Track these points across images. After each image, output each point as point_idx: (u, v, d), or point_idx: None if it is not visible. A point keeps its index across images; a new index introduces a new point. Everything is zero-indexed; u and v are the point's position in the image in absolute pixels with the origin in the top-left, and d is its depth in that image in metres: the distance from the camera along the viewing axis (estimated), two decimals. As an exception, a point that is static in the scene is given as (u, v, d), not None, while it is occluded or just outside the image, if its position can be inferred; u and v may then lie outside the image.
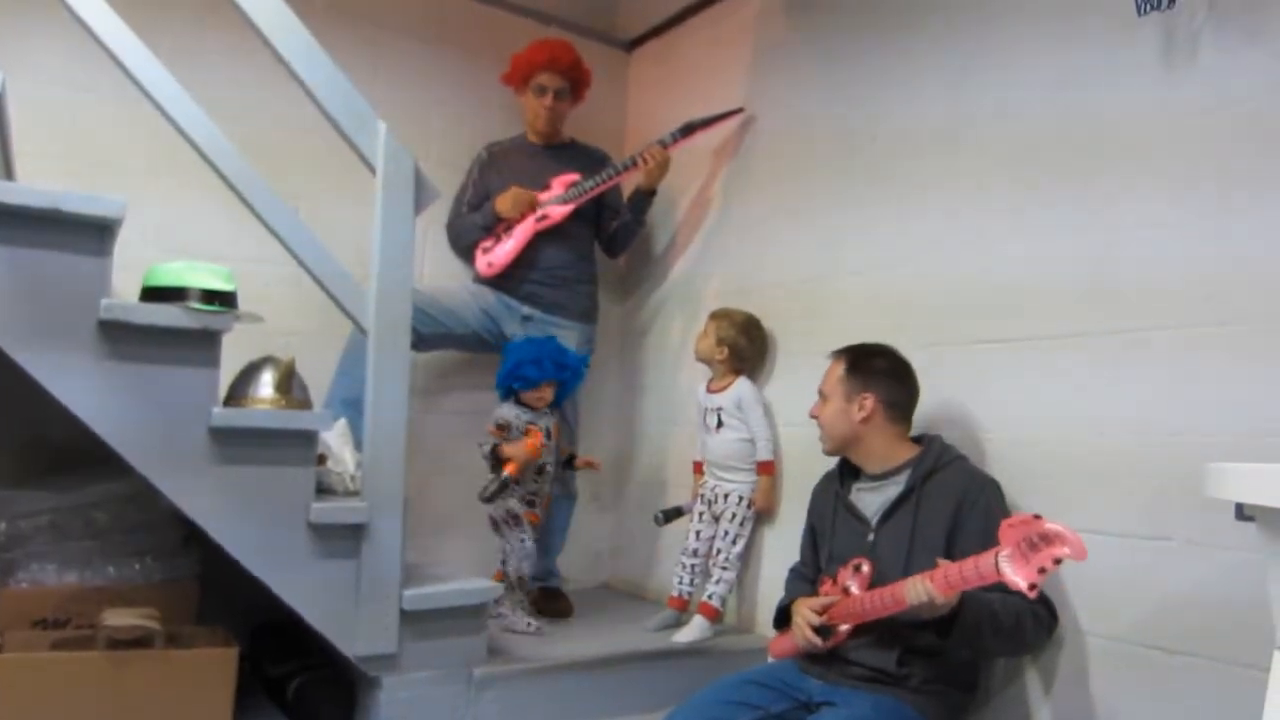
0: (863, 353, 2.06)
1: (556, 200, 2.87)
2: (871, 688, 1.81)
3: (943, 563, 1.65)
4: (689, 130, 2.88)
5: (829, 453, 2.09)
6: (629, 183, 3.00)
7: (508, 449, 2.43)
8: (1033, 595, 1.50)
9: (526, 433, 2.48)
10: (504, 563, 2.48)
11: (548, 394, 2.54)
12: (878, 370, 2.02)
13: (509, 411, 2.52)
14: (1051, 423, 1.97)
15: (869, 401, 1.98)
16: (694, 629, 2.47)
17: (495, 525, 2.49)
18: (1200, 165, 1.76)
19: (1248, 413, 1.65)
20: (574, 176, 2.91)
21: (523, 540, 2.46)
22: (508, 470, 2.38)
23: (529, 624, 2.42)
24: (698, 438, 2.73)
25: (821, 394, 2.08)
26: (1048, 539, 1.49)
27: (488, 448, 2.47)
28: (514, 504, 2.47)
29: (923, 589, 1.63)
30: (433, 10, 3.13)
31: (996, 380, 2.08)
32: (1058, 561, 1.48)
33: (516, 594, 2.46)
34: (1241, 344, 1.68)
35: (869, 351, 2.06)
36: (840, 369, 2.05)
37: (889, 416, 2.00)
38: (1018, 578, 1.50)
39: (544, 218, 2.86)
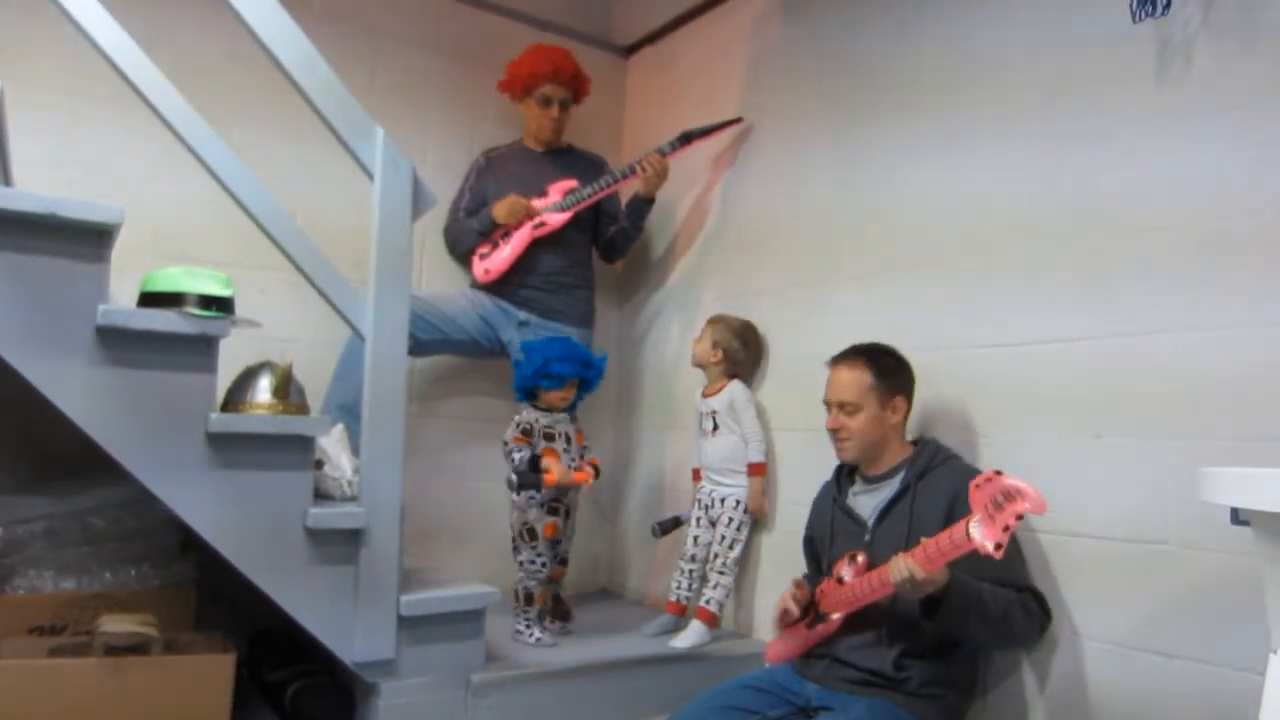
0: (880, 354, 2.06)
1: (554, 208, 2.88)
2: (868, 691, 1.81)
3: (924, 540, 1.65)
4: (687, 139, 2.88)
5: (853, 461, 2.06)
6: (627, 190, 3.01)
7: (552, 465, 2.38)
8: (998, 555, 1.50)
9: (579, 467, 2.46)
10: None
11: (571, 393, 2.52)
12: (897, 369, 2.04)
13: (530, 415, 2.49)
14: (1048, 427, 1.97)
15: (901, 403, 2.01)
16: (692, 634, 2.48)
17: (512, 539, 2.46)
18: (1197, 171, 1.77)
19: (1243, 417, 1.66)
20: (571, 183, 2.92)
21: (533, 561, 2.42)
22: (547, 481, 2.36)
23: (536, 638, 2.39)
24: (695, 444, 2.74)
25: (845, 405, 2.01)
26: (1010, 496, 1.50)
27: (525, 456, 2.39)
28: (533, 516, 2.43)
29: (904, 565, 1.64)
30: (429, 16, 3.14)
31: (992, 383, 2.09)
32: (1019, 517, 1.49)
33: (526, 609, 2.43)
34: (1236, 350, 1.68)
35: (882, 352, 2.07)
36: (867, 377, 2.00)
37: (907, 415, 2.03)
38: (986, 540, 1.51)
39: (541, 225, 2.86)
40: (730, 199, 2.97)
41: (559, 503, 2.47)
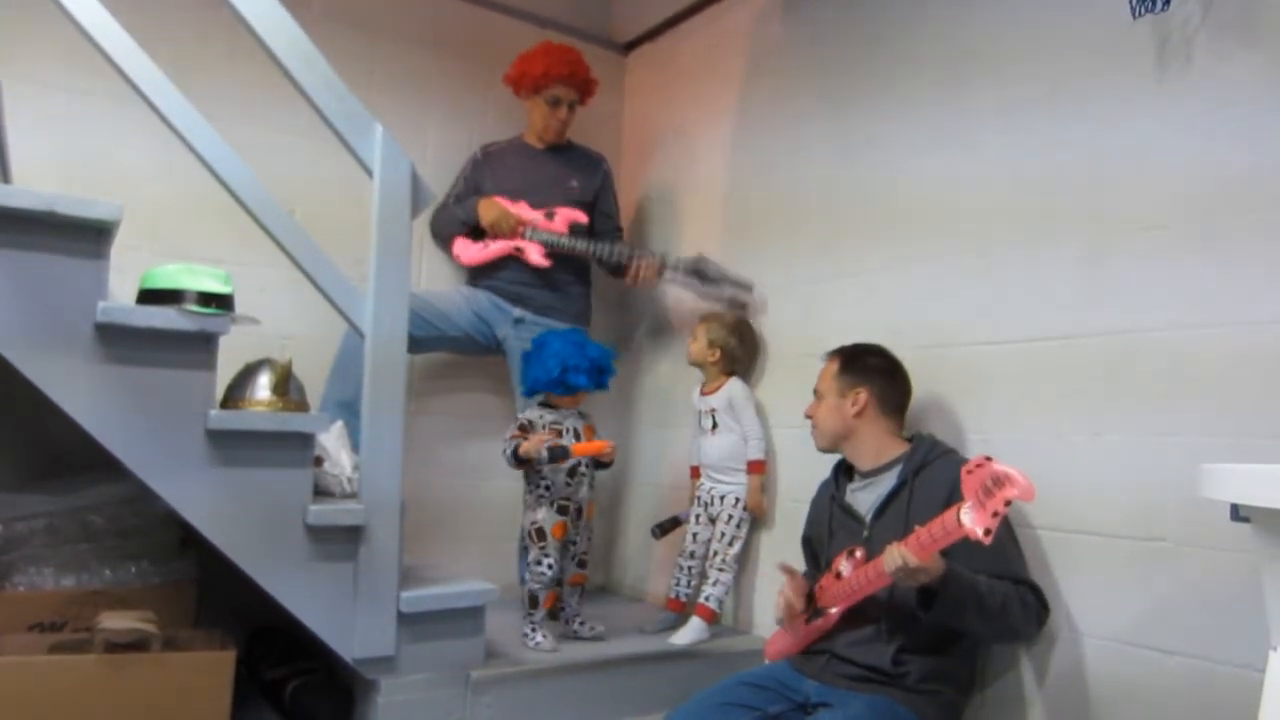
0: (856, 351, 2.11)
1: (545, 238, 2.85)
2: (867, 687, 1.81)
3: (918, 528, 1.66)
4: (693, 273, 2.76)
5: (822, 449, 2.13)
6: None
7: (529, 443, 2.32)
8: (988, 540, 1.51)
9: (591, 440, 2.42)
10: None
11: (583, 396, 2.49)
12: (870, 367, 2.07)
13: (533, 414, 2.45)
14: (1046, 424, 1.97)
15: (862, 395, 2.03)
16: (691, 631, 2.48)
17: (521, 541, 2.42)
18: (1196, 168, 1.77)
19: (1243, 414, 1.66)
20: (580, 219, 2.90)
21: (540, 561, 2.35)
22: (574, 451, 2.31)
23: (535, 642, 2.31)
24: (693, 442, 2.74)
25: (817, 392, 2.12)
26: (999, 482, 1.51)
27: (509, 449, 2.36)
28: (542, 516, 2.36)
29: (898, 554, 1.65)
30: (428, 14, 3.13)
31: (990, 382, 2.09)
32: (1007, 503, 1.50)
33: (531, 611, 2.36)
34: (1236, 346, 1.68)
35: (862, 350, 2.11)
36: (834, 367, 2.10)
37: (881, 411, 2.04)
38: (976, 527, 1.52)
39: (520, 250, 2.86)
40: (729, 196, 2.97)
41: (568, 501, 2.39)
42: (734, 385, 2.62)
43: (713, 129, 3.06)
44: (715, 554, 2.57)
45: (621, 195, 3.18)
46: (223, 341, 1.83)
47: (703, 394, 2.68)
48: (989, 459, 1.55)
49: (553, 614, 2.51)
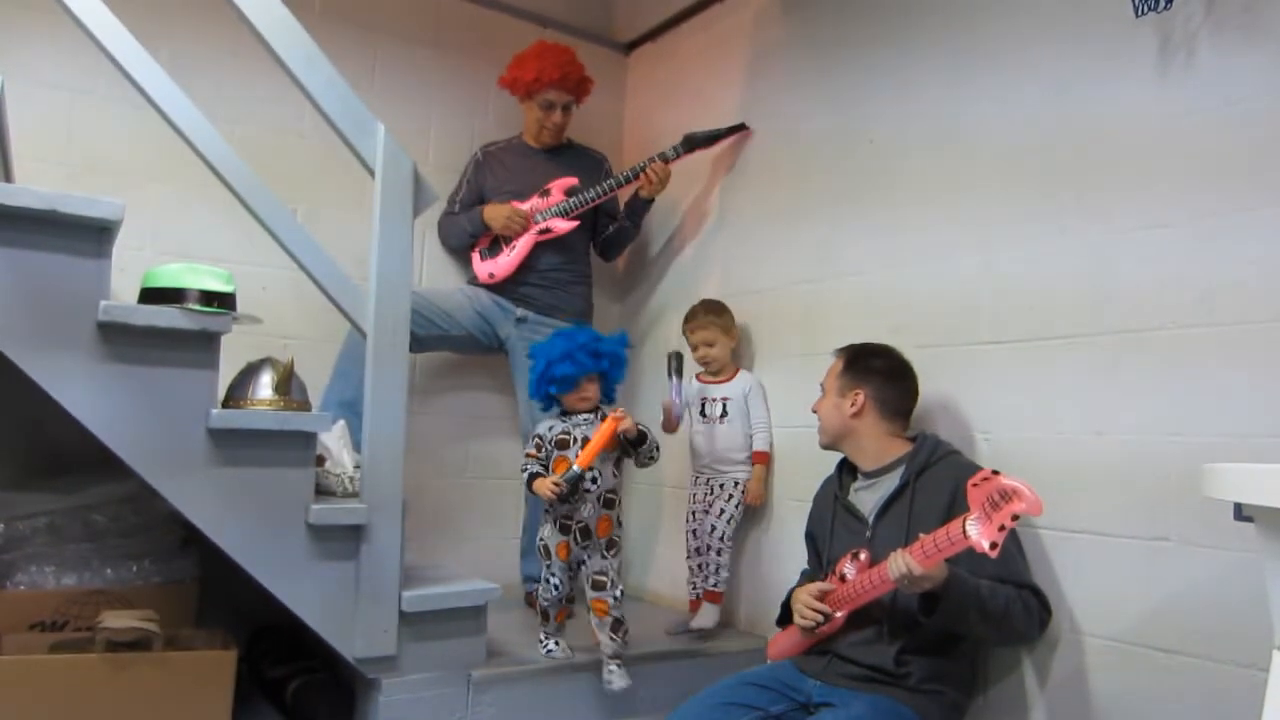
0: (862, 352, 2.10)
1: (556, 210, 2.86)
2: (869, 687, 1.81)
3: (922, 536, 1.66)
4: (691, 146, 2.87)
5: (823, 445, 2.12)
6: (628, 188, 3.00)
7: (542, 486, 2.16)
8: (994, 555, 1.51)
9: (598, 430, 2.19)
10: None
11: (592, 391, 2.26)
12: (873, 368, 2.06)
13: (543, 427, 2.29)
14: (1049, 423, 1.97)
15: (860, 397, 2.03)
16: (707, 615, 2.50)
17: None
18: (1197, 167, 1.77)
19: (1245, 413, 1.66)
20: (572, 181, 2.91)
21: (548, 580, 2.23)
22: (579, 464, 2.13)
23: (548, 650, 2.25)
24: (692, 431, 2.71)
25: (822, 387, 2.12)
26: (1006, 495, 1.51)
27: (525, 477, 2.23)
28: (548, 533, 2.24)
29: (902, 561, 1.65)
30: (429, 13, 3.14)
31: (993, 381, 2.09)
32: (1015, 518, 1.50)
33: (544, 624, 2.29)
34: (1238, 345, 1.68)
35: (868, 351, 2.10)
36: (839, 365, 2.10)
37: (881, 413, 2.03)
38: (982, 540, 1.52)
39: (546, 231, 2.86)
40: (729, 194, 2.97)
41: (569, 520, 2.20)
42: (748, 376, 2.66)
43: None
44: (713, 530, 2.56)
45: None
46: (224, 340, 1.83)
47: (707, 383, 2.69)
48: (996, 473, 1.55)
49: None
